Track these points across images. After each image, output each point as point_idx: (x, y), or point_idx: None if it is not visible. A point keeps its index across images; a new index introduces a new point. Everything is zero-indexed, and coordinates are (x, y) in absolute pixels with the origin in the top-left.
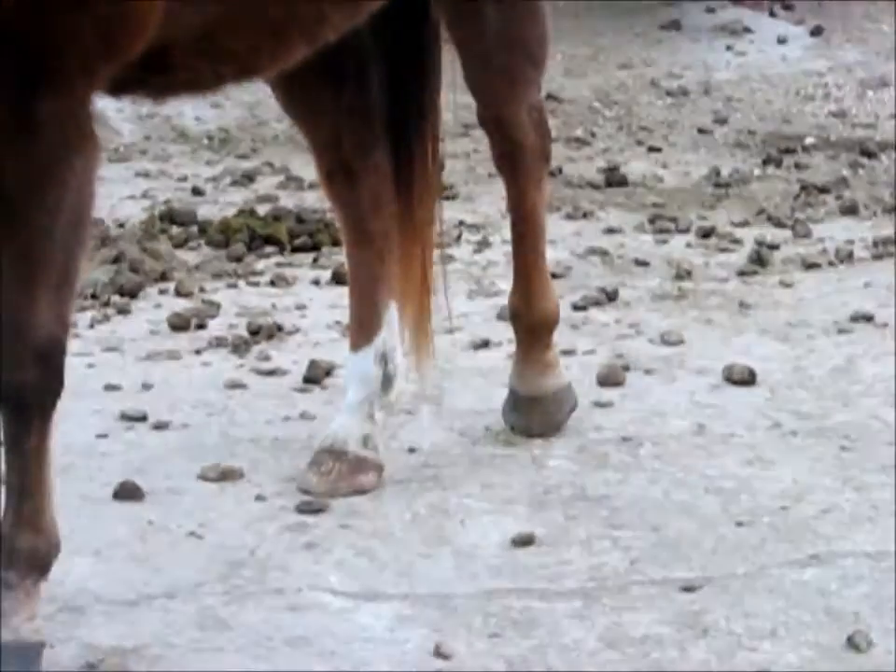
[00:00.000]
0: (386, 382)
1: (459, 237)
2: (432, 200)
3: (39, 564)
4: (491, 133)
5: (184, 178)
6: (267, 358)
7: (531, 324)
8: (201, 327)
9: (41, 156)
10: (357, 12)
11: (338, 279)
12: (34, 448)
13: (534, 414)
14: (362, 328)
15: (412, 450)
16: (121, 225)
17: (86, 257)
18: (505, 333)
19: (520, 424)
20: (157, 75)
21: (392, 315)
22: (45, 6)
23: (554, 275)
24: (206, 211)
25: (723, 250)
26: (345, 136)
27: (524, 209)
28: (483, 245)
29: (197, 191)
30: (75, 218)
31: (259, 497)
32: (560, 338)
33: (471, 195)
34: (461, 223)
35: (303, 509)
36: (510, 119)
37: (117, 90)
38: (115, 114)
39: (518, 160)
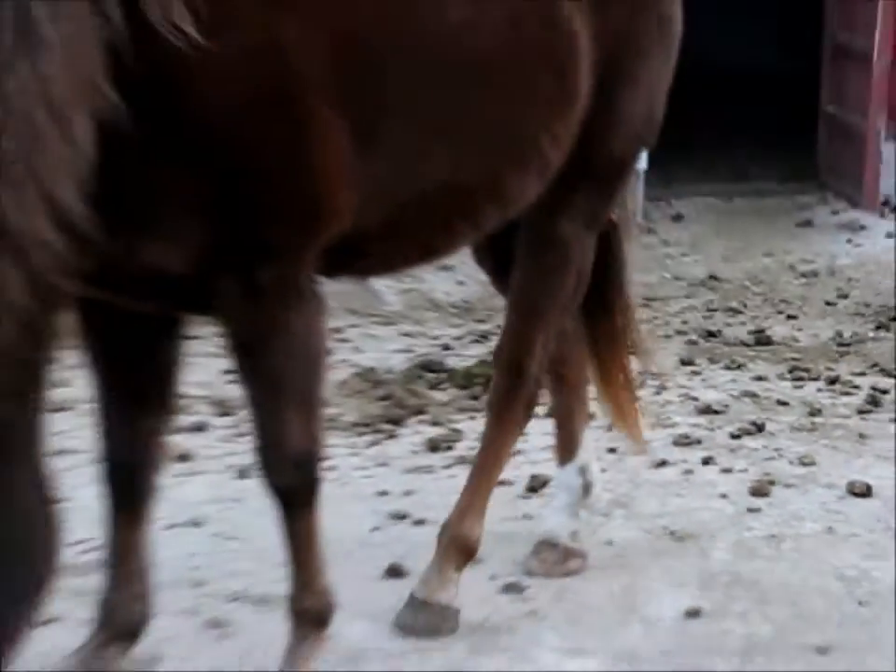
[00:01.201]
0: (586, 489)
1: (642, 383)
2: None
3: (318, 619)
4: (500, 373)
5: (436, 337)
6: None
7: (450, 539)
8: (449, 448)
9: (266, 314)
10: (509, 209)
11: (551, 413)
12: (303, 533)
13: (420, 614)
14: (565, 448)
15: (608, 543)
16: (390, 372)
17: (324, 386)
18: (679, 455)
19: (403, 621)
20: (357, 259)
21: (587, 437)
22: (261, 203)
23: (715, 412)
24: (453, 362)
25: (846, 394)
26: None
27: (494, 445)
28: (661, 388)
29: (446, 347)
30: (306, 359)
31: (493, 577)
32: (720, 459)
33: (647, 351)
34: (642, 372)
35: (526, 586)
36: (527, 366)
37: (332, 271)
38: (385, 289)
39: (512, 402)
